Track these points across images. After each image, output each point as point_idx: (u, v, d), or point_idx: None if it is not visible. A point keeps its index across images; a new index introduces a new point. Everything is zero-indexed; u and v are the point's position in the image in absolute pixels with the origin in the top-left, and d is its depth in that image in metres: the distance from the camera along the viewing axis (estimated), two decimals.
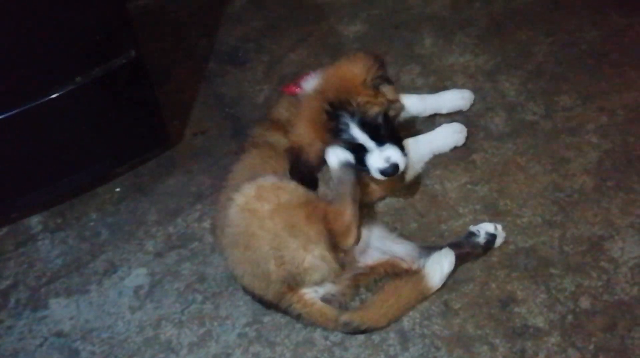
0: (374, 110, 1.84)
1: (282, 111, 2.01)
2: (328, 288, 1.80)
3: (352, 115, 1.82)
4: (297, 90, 1.97)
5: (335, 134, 1.83)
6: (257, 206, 1.73)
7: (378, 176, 1.86)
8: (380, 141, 1.84)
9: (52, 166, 2.11)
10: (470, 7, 2.70)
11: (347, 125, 1.82)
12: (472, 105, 2.30)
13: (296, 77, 2.05)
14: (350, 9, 2.78)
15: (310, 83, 1.93)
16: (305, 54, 2.63)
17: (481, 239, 1.90)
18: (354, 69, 1.89)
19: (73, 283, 2.06)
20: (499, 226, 1.94)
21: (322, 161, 1.87)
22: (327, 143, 1.85)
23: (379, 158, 1.83)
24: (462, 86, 2.37)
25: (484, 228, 1.92)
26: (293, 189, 1.78)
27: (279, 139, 1.95)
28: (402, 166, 1.86)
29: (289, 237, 1.71)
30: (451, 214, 2.04)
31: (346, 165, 1.84)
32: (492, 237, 1.91)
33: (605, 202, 2.01)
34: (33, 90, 1.88)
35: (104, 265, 2.09)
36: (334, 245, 1.76)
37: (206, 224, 2.14)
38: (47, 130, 2.00)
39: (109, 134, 2.15)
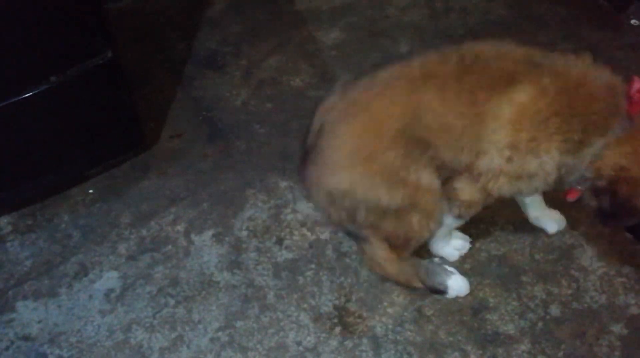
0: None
1: None
2: None
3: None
4: None
5: None
6: None
7: None
8: None
9: (24, 166, 2.08)
10: (447, 18, 2.73)
11: None
12: None
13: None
14: (329, 16, 2.79)
15: None
16: (283, 60, 2.64)
17: None
18: None
19: (42, 285, 2.02)
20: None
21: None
22: None
23: None
24: None
25: None
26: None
27: None
28: None
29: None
30: None
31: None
32: None
33: (575, 211, 2.05)
34: (5, 88, 1.85)
35: (74, 267, 2.06)
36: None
37: (180, 227, 2.13)
38: (19, 130, 1.97)
39: (83, 135, 2.12)
